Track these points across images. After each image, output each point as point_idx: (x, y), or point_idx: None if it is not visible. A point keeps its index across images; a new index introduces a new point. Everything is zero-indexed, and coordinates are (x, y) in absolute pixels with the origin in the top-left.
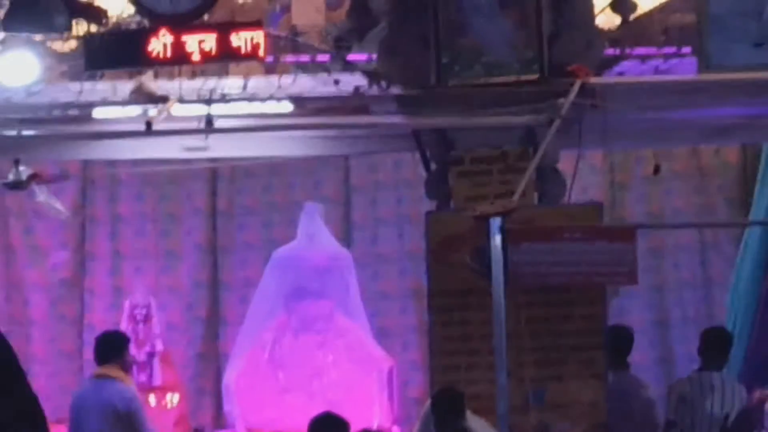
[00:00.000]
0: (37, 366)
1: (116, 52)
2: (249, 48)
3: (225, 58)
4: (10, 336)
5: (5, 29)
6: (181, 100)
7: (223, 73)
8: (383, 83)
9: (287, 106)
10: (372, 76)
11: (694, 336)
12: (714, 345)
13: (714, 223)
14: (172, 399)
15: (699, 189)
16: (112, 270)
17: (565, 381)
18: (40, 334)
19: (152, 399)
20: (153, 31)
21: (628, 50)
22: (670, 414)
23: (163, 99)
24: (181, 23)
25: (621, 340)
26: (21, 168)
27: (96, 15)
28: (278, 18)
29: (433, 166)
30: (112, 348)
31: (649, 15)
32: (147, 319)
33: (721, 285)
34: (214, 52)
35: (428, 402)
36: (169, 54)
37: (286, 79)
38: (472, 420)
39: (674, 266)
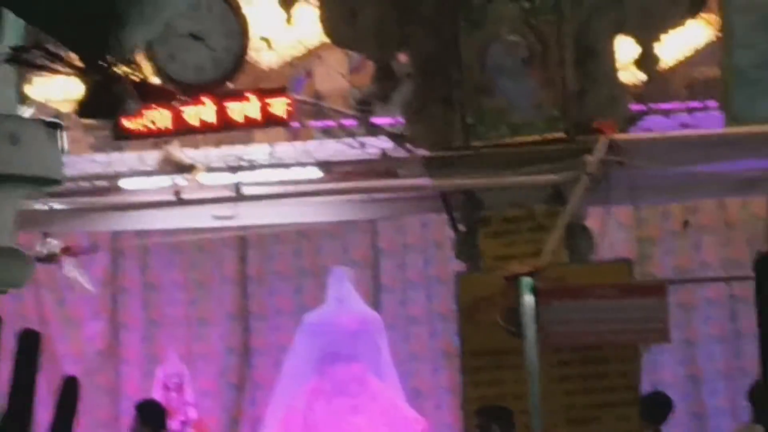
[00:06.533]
0: None
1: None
2: (281, 114)
3: (270, 124)
4: (47, 408)
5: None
6: (209, 169)
7: (248, 140)
8: (409, 146)
9: (314, 172)
10: (398, 138)
11: (726, 390)
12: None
13: (743, 276)
14: None
15: (727, 242)
16: (145, 338)
17: None
18: None
19: None
20: (192, 99)
21: (652, 105)
22: None
23: (191, 168)
24: (207, 92)
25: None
26: (51, 240)
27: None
28: (302, 83)
29: (461, 227)
30: (160, 416)
31: (673, 69)
32: (179, 387)
33: (751, 337)
34: (259, 118)
35: None
36: (213, 121)
37: (313, 144)
38: None
39: (704, 320)
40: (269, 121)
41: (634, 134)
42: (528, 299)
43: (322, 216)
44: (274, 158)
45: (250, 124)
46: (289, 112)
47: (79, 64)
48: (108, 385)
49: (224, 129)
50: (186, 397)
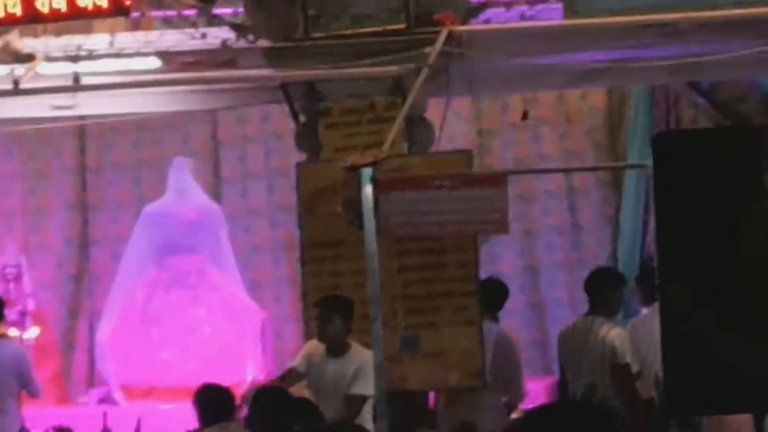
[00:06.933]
0: None
1: None
2: (111, 4)
3: (76, 16)
4: None
5: None
6: (48, 58)
7: (89, 29)
8: (250, 36)
9: (154, 62)
10: (239, 29)
11: (564, 281)
12: (597, 287)
13: (582, 167)
14: (45, 357)
15: (566, 134)
16: None
17: (439, 328)
18: None
19: None
20: None
21: None
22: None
23: (30, 57)
24: None
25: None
26: None
27: None
28: None
29: (302, 118)
30: None
31: None
32: (18, 278)
33: (590, 230)
34: (65, 10)
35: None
36: (19, 13)
37: (153, 35)
38: (362, 351)
39: (543, 212)
40: (117, 9)
41: (474, 26)
42: (368, 190)
43: (161, 106)
44: (114, 48)
45: (98, 12)
46: (121, 2)
47: None
48: None
49: (74, 17)
50: (24, 287)
